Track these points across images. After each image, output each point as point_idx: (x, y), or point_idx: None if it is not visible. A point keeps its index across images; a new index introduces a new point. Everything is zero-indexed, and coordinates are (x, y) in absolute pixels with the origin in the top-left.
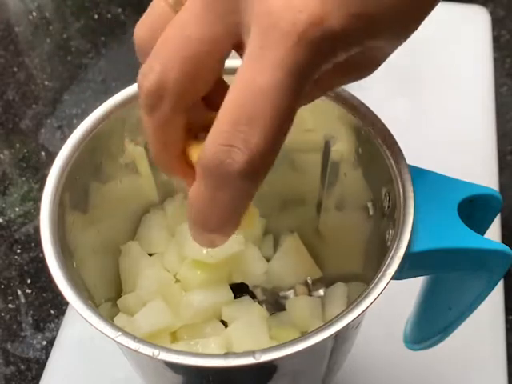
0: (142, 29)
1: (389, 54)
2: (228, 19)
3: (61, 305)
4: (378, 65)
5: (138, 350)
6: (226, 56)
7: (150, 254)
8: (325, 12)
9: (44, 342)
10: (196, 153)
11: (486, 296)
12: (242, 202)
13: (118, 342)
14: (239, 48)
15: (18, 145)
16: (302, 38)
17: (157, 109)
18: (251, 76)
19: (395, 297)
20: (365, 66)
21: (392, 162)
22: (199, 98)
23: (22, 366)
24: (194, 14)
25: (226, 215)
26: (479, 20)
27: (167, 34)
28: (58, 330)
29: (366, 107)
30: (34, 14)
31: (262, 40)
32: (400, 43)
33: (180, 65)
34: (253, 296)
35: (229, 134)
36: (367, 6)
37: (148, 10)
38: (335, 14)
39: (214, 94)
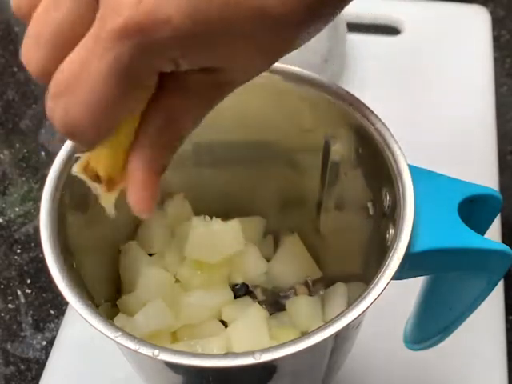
0: None
1: (242, 77)
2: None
3: (61, 305)
4: (230, 86)
5: (138, 350)
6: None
7: (150, 254)
8: (160, 11)
9: (44, 342)
10: None
11: (486, 296)
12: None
13: (117, 343)
14: None
15: (17, 145)
16: (125, 35)
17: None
18: (86, 54)
19: (395, 297)
20: (215, 87)
21: (392, 161)
22: None
23: (22, 366)
24: None
25: None
26: (479, 20)
27: (39, 14)
28: (57, 330)
29: (366, 107)
30: None
31: (98, 26)
32: (259, 65)
33: (53, 51)
34: (253, 296)
35: (56, 89)
36: (207, 11)
37: None
38: (172, 14)
39: None
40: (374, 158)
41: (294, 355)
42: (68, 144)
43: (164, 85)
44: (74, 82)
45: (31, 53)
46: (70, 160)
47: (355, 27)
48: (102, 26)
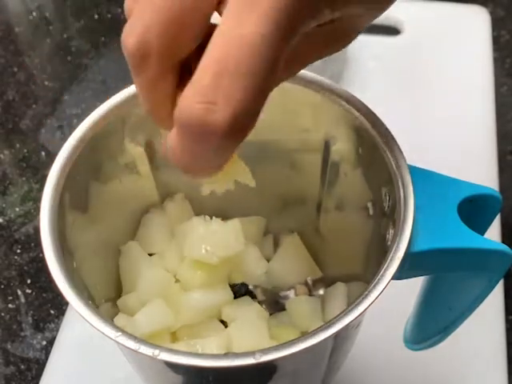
0: None
1: (367, 23)
2: None
3: (61, 305)
4: (356, 34)
5: (138, 350)
6: (211, 12)
7: (150, 254)
8: None
9: (44, 342)
10: None
11: (486, 296)
12: (223, 158)
13: (118, 343)
14: (220, 4)
15: (17, 145)
16: None
17: (142, 70)
18: (236, 27)
19: (395, 297)
20: (342, 36)
21: (392, 162)
22: (188, 53)
23: (22, 366)
24: None
25: (205, 167)
26: (479, 20)
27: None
28: (57, 330)
29: (367, 107)
30: (34, 14)
31: None
32: (379, 11)
33: (162, 25)
34: (253, 296)
35: (210, 89)
36: None
37: None
38: None
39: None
40: (373, 158)
41: (293, 355)
42: (68, 144)
43: None
44: (236, 64)
45: (135, 22)
46: (70, 160)
47: None
48: None
